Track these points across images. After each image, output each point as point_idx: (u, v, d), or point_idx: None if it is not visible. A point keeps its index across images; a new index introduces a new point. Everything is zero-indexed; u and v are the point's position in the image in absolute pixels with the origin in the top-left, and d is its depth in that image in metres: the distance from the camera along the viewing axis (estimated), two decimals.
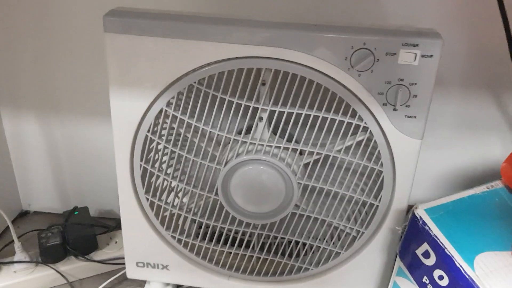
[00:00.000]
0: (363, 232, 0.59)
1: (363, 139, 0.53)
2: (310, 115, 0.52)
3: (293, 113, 0.52)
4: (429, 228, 0.47)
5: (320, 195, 0.57)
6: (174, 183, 0.58)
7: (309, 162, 0.55)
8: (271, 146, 0.54)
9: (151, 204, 0.60)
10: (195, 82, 0.51)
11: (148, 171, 0.58)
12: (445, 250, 0.45)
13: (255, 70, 0.50)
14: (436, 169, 0.75)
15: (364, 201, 0.57)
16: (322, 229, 0.60)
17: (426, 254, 0.48)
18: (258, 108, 0.52)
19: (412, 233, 0.50)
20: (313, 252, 0.62)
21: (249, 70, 0.50)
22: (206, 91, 0.52)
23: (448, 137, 0.73)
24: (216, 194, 0.57)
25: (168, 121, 0.55)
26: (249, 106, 0.52)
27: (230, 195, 0.57)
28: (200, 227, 0.63)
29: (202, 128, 0.54)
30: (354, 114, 0.51)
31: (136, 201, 0.60)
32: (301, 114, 0.52)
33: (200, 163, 0.56)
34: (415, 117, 0.51)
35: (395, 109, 0.50)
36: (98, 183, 0.85)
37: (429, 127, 0.71)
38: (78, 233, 0.75)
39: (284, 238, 0.60)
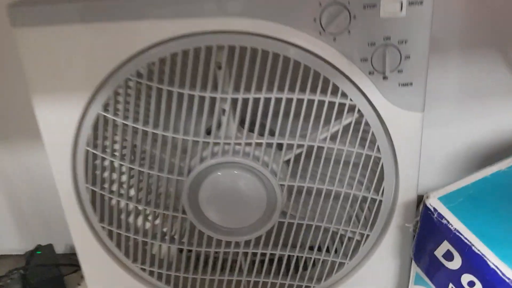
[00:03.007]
0: (367, 235, 0.48)
1: (351, 122, 0.43)
2: (281, 98, 0.41)
3: (261, 99, 0.41)
4: (448, 222, 0.36)
5: (309, 196, 0.46)
6: (131, 205, 0.48)
7: (290, 158, 0.45)
8: (240, 144, 0.44)
9: (110, 234, 0.50)
10: (132, 75, 0.41)
11: (98, 194, 0.48)
12: (473, 248, 0.35)
13: (205, 51, 0.40)
14: (445, 150, 0.64)
15: (364, 197, 0.46)
16: (318, 237, 0.49)
17: (449, 255, 0.37)
18: (216, 98, 0.42)
19: (427, 229, 0.39)
20: (312, 266, 0.51)
21: (197, 51, 0.40)
22: (148, 85, 0.42)
23: (454, 111, 0.63)
24: (184, 212, 0.47)
25: (110, 128, 0.44)
26: (209, 99, 0.42)
27: (201, 211, 0.47)
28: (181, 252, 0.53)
29: (152, 132, 0.44)
30: (335, 90, 0.41)
31: (91, 232, 0.50)
32: (270, 99, 0.41)
33: (158, 176, 0.46)
34: (411, 84, 0.41)
35: (385, 77, 0.40)
36: (64, 215, 0.75)
37: (430, 102, 0.61)
38: (42, 275, 0.65)
39: (275, 253, 0.50)
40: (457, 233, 0.36)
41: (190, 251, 0.51)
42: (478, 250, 0.35)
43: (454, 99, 0.62)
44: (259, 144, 0.44)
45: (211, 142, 0.43)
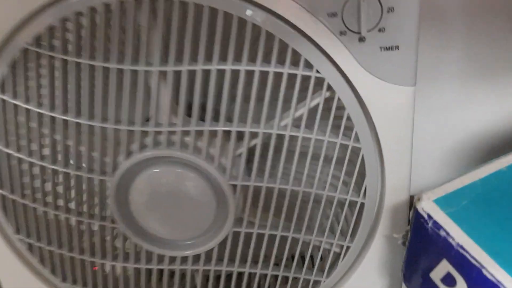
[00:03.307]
0: (348, 247, 0.38)
1: (319, 103, 0.33)
2: (224, 70, 0.31)
3: (197, 72, 0.31)
4: (447, 233, 0.26)
5: (270, 198, 0.36)
6: (51, 213, 0.38)
7: (248, 150, 0.35)
8: (175, 133, 0.34)
9: (30, 248, 0.40)
10: (28, 43, 0.31)
11: (9, 200, 0.38)
12: (483, 271, 0.24)
13: (119, 7, 0.30)
14: (446, 140, 0.54)
15: (342, 199, 0.36)
16: (285, 250, 0.39)
17: (449, 280, 0.27)
18: (138, 71, 0.32)
19: (420, 243, 0.29)
20: (282, 284, 0.41)
21: (108, 8, 0.30)
22: (51, 56, 0.32)
23: (457, 93, 0.52)
24: (114, 221, 0.37)
25: (11, 114, 0.34)
26: (130, 73, 0.32)
27: (134, 219, 0.37)
28: None
29: (63, 119, 0.34)
30: (296, 58, 0.31)
31: (7, 246, 0.41)
32: (210, 71, 0.31)
33: (77, 175, 0.36)
34: (397, 47, 0.30)
35: (361, 39, 0.30)
36: None
37: (428, 81, 0.50)
38: None
39: (232, 270, 0.40)
40: (461, 250, 0.26)
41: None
42: (491, 275, 0.24)
43: (457, 80, 0.51)
44: (200, 133, 0.34)
45: (138, 130, 0.33)
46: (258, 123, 0.33)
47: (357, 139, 0.34)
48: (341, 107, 0.33)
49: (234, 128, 0.33)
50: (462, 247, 0.26)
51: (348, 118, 0.33)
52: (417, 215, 0.28)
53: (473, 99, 0.52)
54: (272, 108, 0.33)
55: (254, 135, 0.34)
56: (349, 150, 0.34)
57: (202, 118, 0.33)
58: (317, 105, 0.33)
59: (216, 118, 0.33)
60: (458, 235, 0.26)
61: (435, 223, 0.27)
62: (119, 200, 0.36)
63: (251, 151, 0.35)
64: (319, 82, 0.32)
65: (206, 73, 0.32)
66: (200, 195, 0.36)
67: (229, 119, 0.33)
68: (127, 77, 0.32)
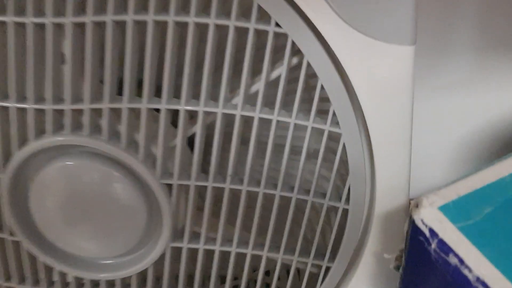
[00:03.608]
0: (328, 267, 0.29)
1: (286, 69, 0.23)
2: (145, 23, 0.22)
3: (107, 24, 0.22)
4: (461, 261, 0.17)
5: (219, 203, 0.27)
6: None
7: (187, 138, 0.26)
8: (81, 112, 0.24)
9: None
10: None
11: None
12: None
13: None
14: (458, 129, 0.44)
15: (317, 204, 0.27)
16: (245, 271, 0.30)
17: None
18: (28, 24, 0.23)
19: (419, 272, 0.19)
20: None
21: None
22: None
23: (470, 74, 0.42)
24: (12, 232, 0.28)
25: None
26: (34, 28, 0.23)
27: (38, 230, 0.28)
28: None
29: None
30: (247, 6, 0.22)
31: None
32: (125, 24, 0.22)
33: None
34: None
35: None
36: None
37: (437, 59, 0.41)
38: None
39: None
40: (482, 287, 0.16)
41: None
42: None
43: (471, 58, 0.42)
44: (119, 113, 0.24)
45: (30, 108, 0.24)
46: (193, 99, 0.24)
47: (335, 122, 0.24)
48: (312, 73, 0.23)
49: (163, 106, 0.24)
50: (483, 283, 0.16)
51: (323, 92, 0.24)
52: (415, 230, 0.18)
53: (490, 83, 0.43)
54: (218, 81, 0.24)
55: (193, 116, 0.25)
56: (325, 136, 0.25)
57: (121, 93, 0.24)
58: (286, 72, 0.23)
59: (140, 92, 0.24)
60: (477, 264, 0.17)
61: (442, 243, 0.17)
62: (16, 205, 0.27)
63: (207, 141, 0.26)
64: (281, 39, 0.23)
65: (121, 26, 0.22)
66: (125, 199, 0.26)
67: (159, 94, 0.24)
68: (11, 33, 0.23)
